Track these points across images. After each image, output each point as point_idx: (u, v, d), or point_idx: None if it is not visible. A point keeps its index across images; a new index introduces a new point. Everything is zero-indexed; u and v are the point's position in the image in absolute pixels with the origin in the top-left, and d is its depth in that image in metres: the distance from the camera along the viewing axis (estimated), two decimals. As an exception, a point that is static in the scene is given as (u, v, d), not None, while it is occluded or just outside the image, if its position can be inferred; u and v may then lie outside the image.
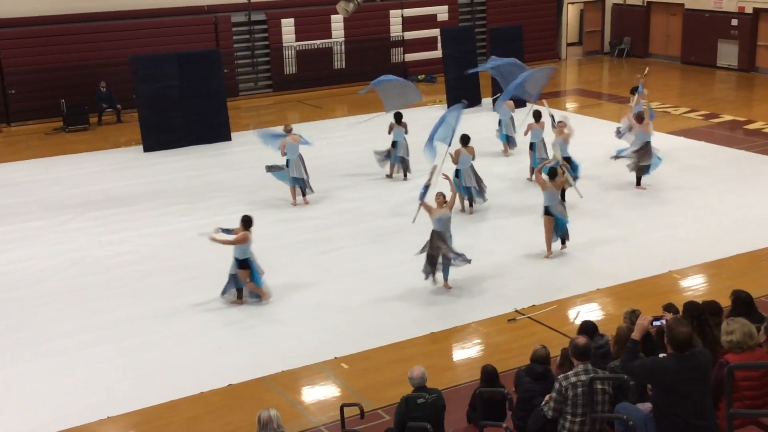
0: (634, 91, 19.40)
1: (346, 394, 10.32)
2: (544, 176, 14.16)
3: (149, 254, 14.76)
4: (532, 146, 17.59)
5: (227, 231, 12.81)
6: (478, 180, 16.21)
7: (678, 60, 31.53)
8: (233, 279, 12.70)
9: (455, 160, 15.82)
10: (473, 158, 16.10)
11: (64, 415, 10.02)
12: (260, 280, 12.75)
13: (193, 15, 26.57)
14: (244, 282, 12.66)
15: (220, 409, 10.15)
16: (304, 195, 17.07)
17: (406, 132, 18.05)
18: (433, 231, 12.80)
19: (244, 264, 12.60)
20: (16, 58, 24.34)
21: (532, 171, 17.32)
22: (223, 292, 12.80)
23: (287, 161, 16.76)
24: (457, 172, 15.84)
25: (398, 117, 18.03)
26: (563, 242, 14.23)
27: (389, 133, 18.15)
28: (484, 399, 8.29)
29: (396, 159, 18.20)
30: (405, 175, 18.34)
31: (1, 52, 24.22)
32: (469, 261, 12.97)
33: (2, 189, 18.71)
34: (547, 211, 13.87)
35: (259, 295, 12.75)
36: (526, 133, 17.82)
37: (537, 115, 17.54)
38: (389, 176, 18.39)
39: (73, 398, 10.40)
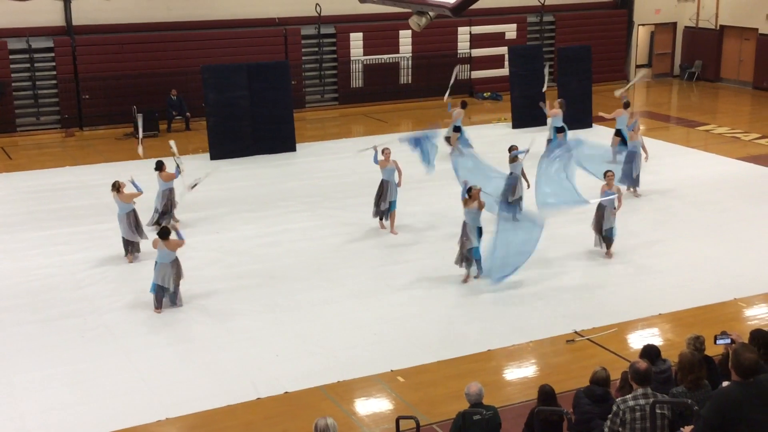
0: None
1: (401, 407, 10.34)
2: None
3: (212, 260, 14.99)
4: None
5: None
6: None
7: (750, 85, 30.96)
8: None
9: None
10: None
11: (122, 414, 10.22)
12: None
13: (264, 27, 26.98)
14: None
15: (276, 415, 10.25)
16: (381, 219, 16.30)
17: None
18: (463, 222, 13.73)
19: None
20: (91, 65, 24.97)
21: None
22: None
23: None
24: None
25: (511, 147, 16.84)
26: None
27: (512, 162, 16.45)
28: (541, 419, 8.22)
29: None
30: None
31: (77, 58, 24.90)
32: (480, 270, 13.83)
33: (74, 191, 19.20)
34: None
35: None
36: None
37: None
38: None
39: (132, 398, 10.60)
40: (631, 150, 17.88)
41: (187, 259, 14.26)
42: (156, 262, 12.91)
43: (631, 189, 17.80)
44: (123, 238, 14.94)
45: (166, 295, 12.95)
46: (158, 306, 12.92)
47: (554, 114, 20.98)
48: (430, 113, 26.77)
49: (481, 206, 13.85)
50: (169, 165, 16.53)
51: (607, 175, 14.96)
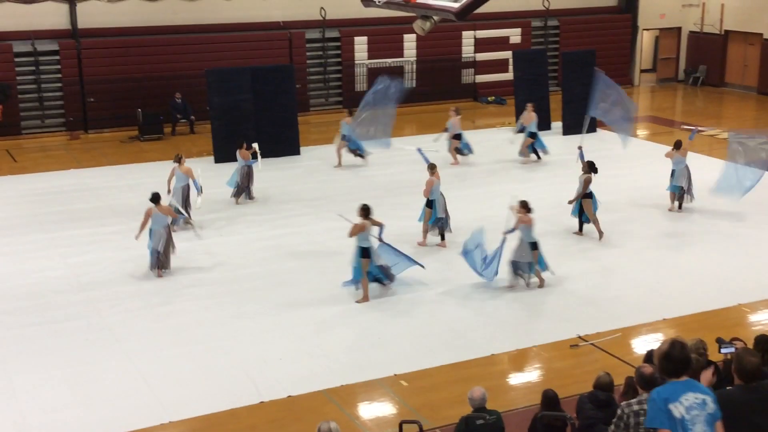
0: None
1: (404, 411, 10.31)
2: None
3: (216, 263, 14.99)
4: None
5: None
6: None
7: (755, 90, 30.91)
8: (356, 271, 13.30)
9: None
10: None
11: (124, 416, 10.21)
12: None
13: (269, 30, 27.04)
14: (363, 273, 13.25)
15: (279, 419, 10.25)
16: (443, 237, 15.80)
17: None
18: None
19: (366, 253, 13.18)
20: (96, 68, 25.02)
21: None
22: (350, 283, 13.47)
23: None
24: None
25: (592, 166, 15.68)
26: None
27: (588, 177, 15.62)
28: (544, 424, 8.21)
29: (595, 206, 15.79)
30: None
31: (82, 62, 24.94)
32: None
33: (78, 194, 19.22)
34: None
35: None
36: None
37: None
38: (578, 232, 16.10)
39: (135, 400, 10.59)
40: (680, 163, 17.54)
41: (190, 261, 14.31)
42: (150, 230, 14.03)
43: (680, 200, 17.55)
44: (174, 207, 15.58)
45: (159, 259, 14.05)
46: (155, 267, 14.19)
47: (454, 124, 21.19)
48: (435, 117, 26.78)
49: (376, 223, 13.51)
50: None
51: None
